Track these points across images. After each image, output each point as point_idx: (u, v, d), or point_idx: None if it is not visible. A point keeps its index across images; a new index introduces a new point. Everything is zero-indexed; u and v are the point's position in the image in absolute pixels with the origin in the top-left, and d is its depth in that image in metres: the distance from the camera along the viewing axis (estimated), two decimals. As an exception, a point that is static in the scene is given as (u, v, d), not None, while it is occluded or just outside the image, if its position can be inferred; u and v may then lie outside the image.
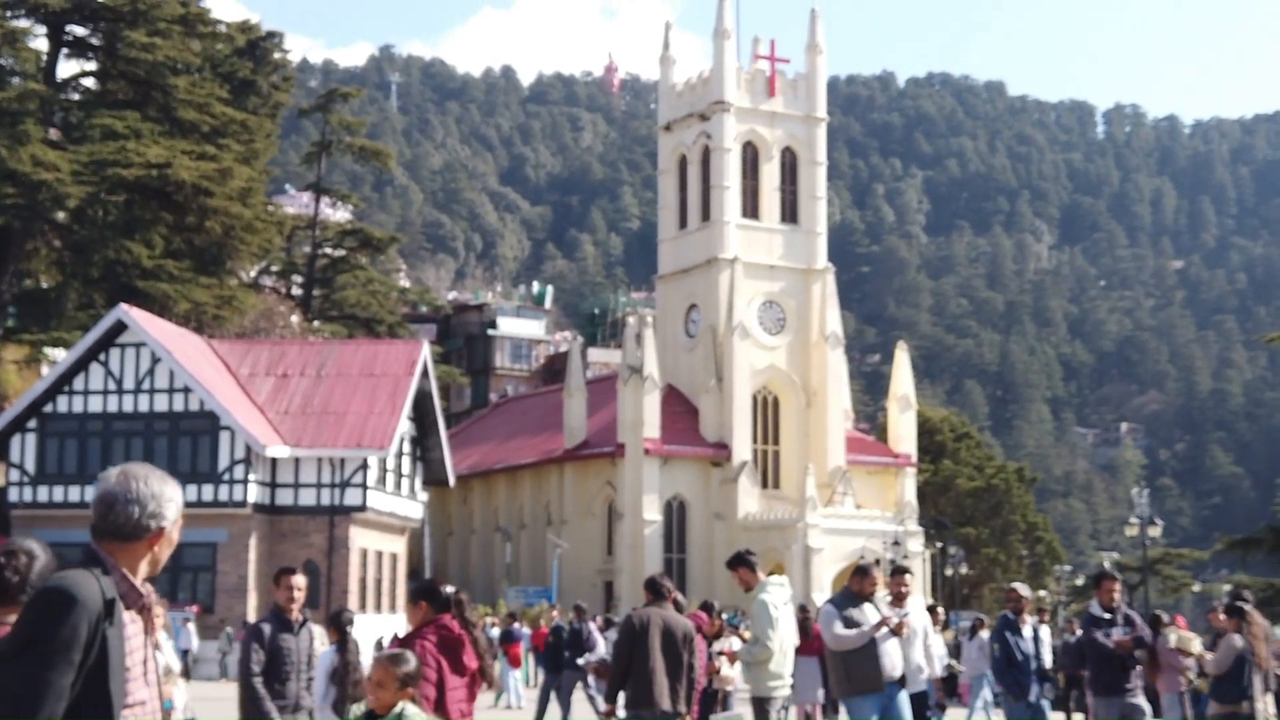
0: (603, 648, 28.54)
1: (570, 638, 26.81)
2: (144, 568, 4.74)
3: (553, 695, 27.24)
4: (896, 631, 13.18)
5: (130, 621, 4.63)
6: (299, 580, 12.01)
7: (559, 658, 27.26)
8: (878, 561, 65.23)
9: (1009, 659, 15.47)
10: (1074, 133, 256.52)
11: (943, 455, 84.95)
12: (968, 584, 77.76)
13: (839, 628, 13.06)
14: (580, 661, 30.02)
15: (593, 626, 28.42)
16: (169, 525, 4.73)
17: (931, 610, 22.67)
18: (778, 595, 13.80)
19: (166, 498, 4.74)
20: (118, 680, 4.48)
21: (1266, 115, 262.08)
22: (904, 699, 13.30)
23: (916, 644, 14.64)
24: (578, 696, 27.14)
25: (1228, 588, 41.59)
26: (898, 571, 15.39)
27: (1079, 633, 19.59)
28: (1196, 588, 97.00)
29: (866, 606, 13.28)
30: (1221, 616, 16.62)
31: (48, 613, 4.42)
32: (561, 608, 45.15)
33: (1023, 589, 16.07)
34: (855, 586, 13.50)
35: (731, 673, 16.45)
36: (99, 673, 4.43)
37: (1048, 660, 16.43)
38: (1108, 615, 14.22)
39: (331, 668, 12.73)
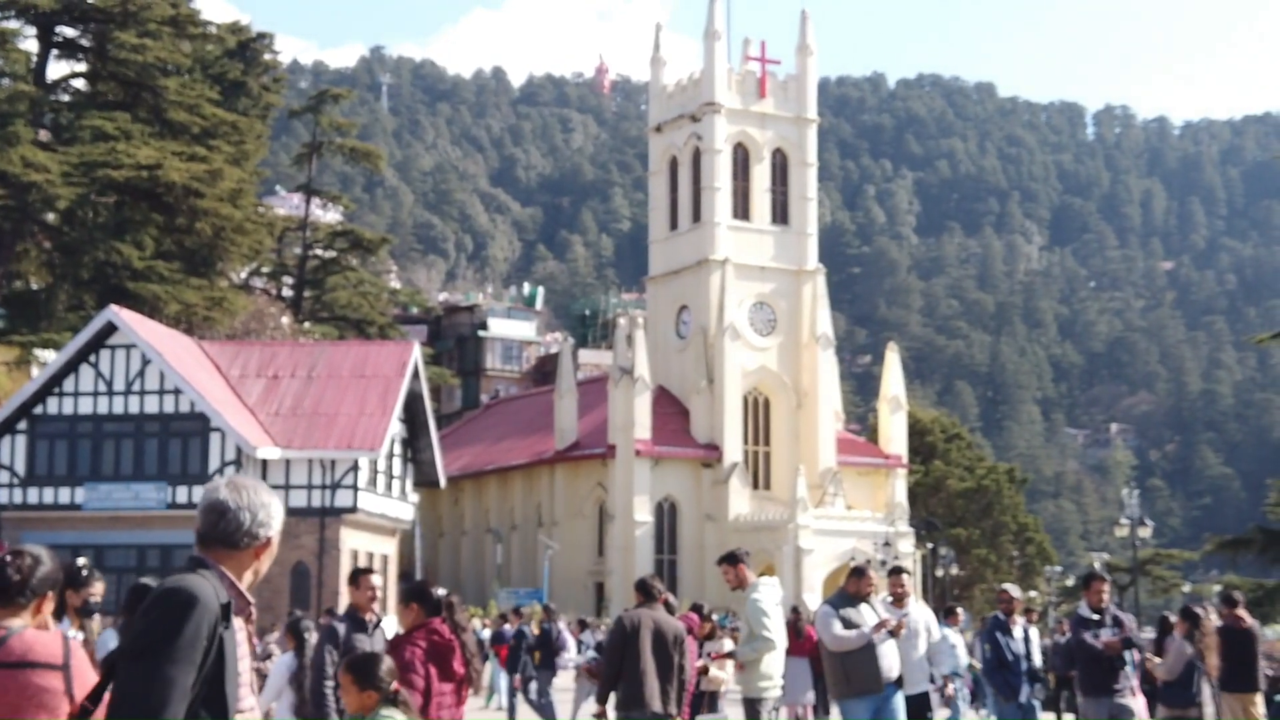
0: (573, 649, 28.48)
1: (540, 639, 26.68)
2: (248, 577, 4.82)
3: (519, 696, 27.09)
4: (895, 633, 13.19)
5: (238, 629, 4.71)
6: (376, 580, 11.87)
7: (517, 659, 27.04)
8: (868, 562, 65.39)
9: (1000, 660, 15.48)
10: (1064, 134, 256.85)
11: (933, 456, 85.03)
12: (958, 585, 77.82)
13: (838, 629, 13.05)
14: (574, 663, 29.99)
15: (562, 627, 28.29)
16: (274, 535, 4.83)
17: (950, 611, 22.65)
18: (769, 595, 13.81)
19: (274, 508, 4.83)
20: (233, 682, 4.54)
21: (1256, 116, 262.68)
22: (899, 701, 13.30)
23: (919, 644, 14.64)
24: (564, 697, 27.07)
25: (1218, 588, 41.71)
26: (895, 572, 15.37)
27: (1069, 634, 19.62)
28: (1186, 588, 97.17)
29: (863, 608, 13.28)
30: (1173, 619, 16.75)
31: (171, 612, 4.46)
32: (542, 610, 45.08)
33: (1013, 590, 16.10)
34: (851, 588, 13.49)
35: (722, 674, 16.44)
36: (216, 674, 4.49)
37: (1038, 660, 16.44)
38: (1096, 616, 14.25)
39: (289, 673, 12.74)
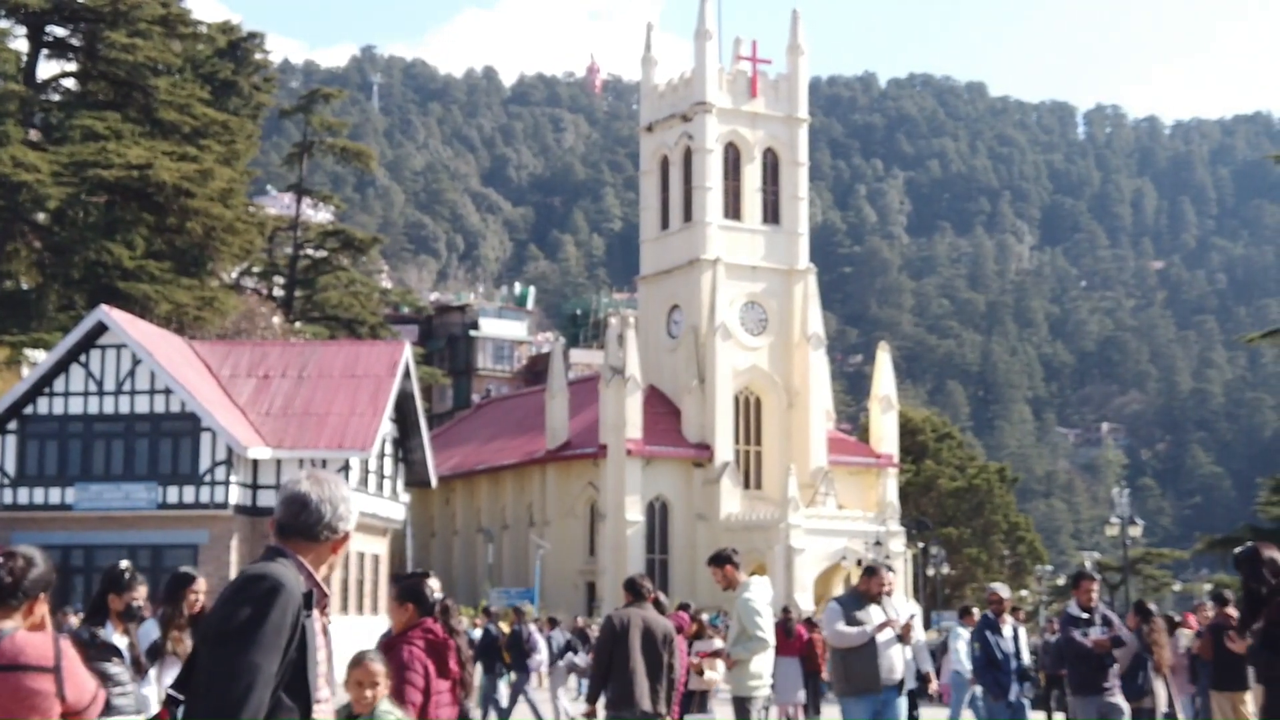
0: (543, 650, 28.37)
1: (511, 640, 26.52)
2: (324, 570, 4.86)
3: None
4: (904, 637, 13.17)
5: (316, 620, 4.72)
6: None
7: (492, 660, 26.62)
8: (862, 561, 65.42)
9: (989, 659, 15.53)
10: (1055, 133, 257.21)
11: (924, 456, 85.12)
12: (949, 584, 77.93)
13: (840, 625, 13.04)
14: (561, 663, 29.96)
15: (533, 628, 28.16)
16: (351, 530, 4.90)
17: (965, 612, 22.62)
18: (760, 594, 13.82)
19: (352, 504, 4.90)
20: (314, 670, 4.57)
21: (1246, 116, 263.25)
22: (901, 704, 13.30)
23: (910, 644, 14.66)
24: (541, 697, 27.02)
25: (1208, 587, 41.77)
26: (870, 572, 15.35)
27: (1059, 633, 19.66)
28: (1177, 587, 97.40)
29: (873, 608, 13.25)
30: (1130, 617, 16.89)
31: (256, 599, 4.50)
32: (535, 611, 45.13)
33: (1002, 590, 16.15)
34: (863, 586, 13.47)
35: (714, 674, 16.46)
36: (299, 662, 4.53)
37: (1026, 659, 16.50)
38: (1086, 615, 14.30)
39: None
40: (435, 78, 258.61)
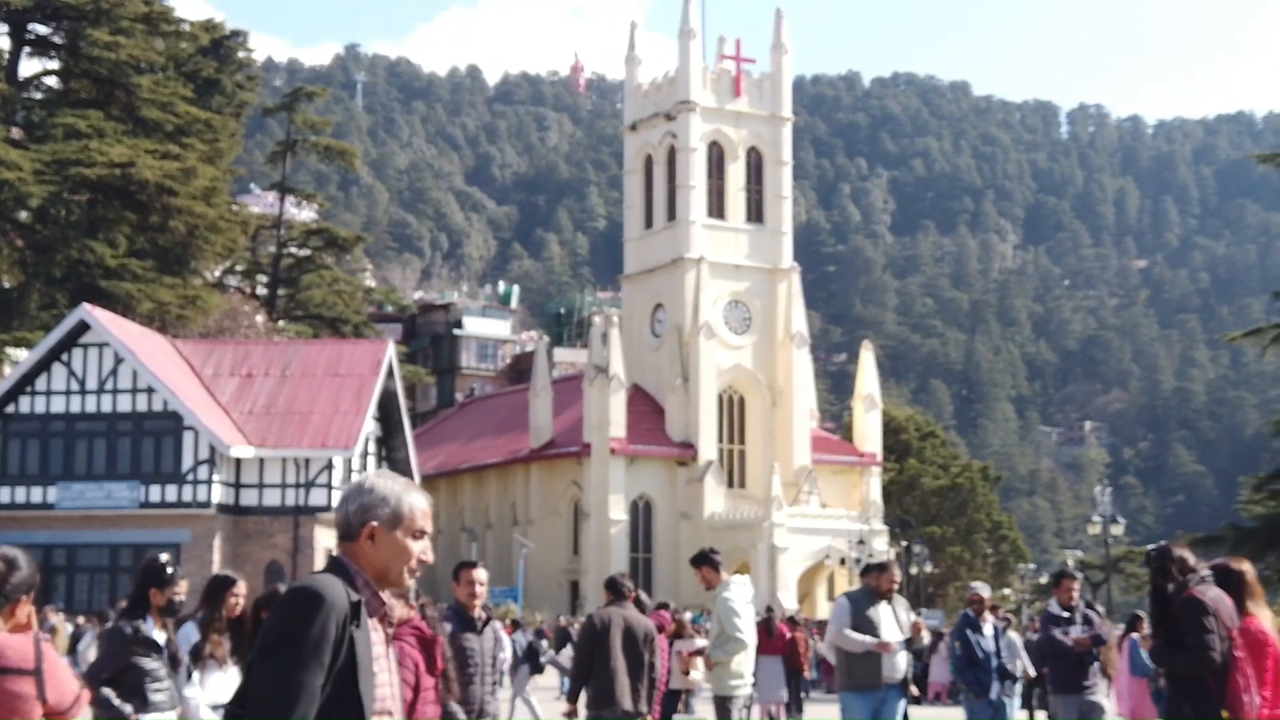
0: (509, 650, 28.34)
1: None
2: (374, 570, 4.72)
3: None
4: (912, 639, 13.30)
5: (373, 629, 4.64)
6: (480, 574, 10.85)
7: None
8: (845, 560, 65.57)
9: (970, 657, 15.57)
10: (1038, 133, 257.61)
11: (908, 454, 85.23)
12: (933, 582, 78.04)
13: (846, 629, 13.12)
14: (543, 660, 29.93)
15: (498, 628, 28.15)
16: (381, 523, 4.74)
17: (991, 610, 22.68)
18: (740, 594, 13.85)
19: (379, 494, 4.76)
20: (367, 683, 4.50)
21: (1229, 115, 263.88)
22: (901, 704, 13.34)
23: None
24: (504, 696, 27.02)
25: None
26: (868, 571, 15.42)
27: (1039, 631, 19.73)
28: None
29: (883, 606, 13.28)
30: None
31: (297, 613, 4.45)
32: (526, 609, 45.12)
33: (983, 589, 16.19)
34: (873, 582, 13.51)
35: (696, 675, 16.50)
36: (348, 674, 4.46)
37: (1025, 659, 16.56)
38: (1066, 614, 14.36)
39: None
40: (419, 76, 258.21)
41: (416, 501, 4.74)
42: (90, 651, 26.11)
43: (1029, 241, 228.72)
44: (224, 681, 10.17)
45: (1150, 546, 9.68)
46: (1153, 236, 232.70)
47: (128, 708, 9.44)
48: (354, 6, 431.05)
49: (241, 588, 10.58)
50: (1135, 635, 18.37)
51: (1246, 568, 9.35)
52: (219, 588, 10.51)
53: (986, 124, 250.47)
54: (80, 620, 31.42)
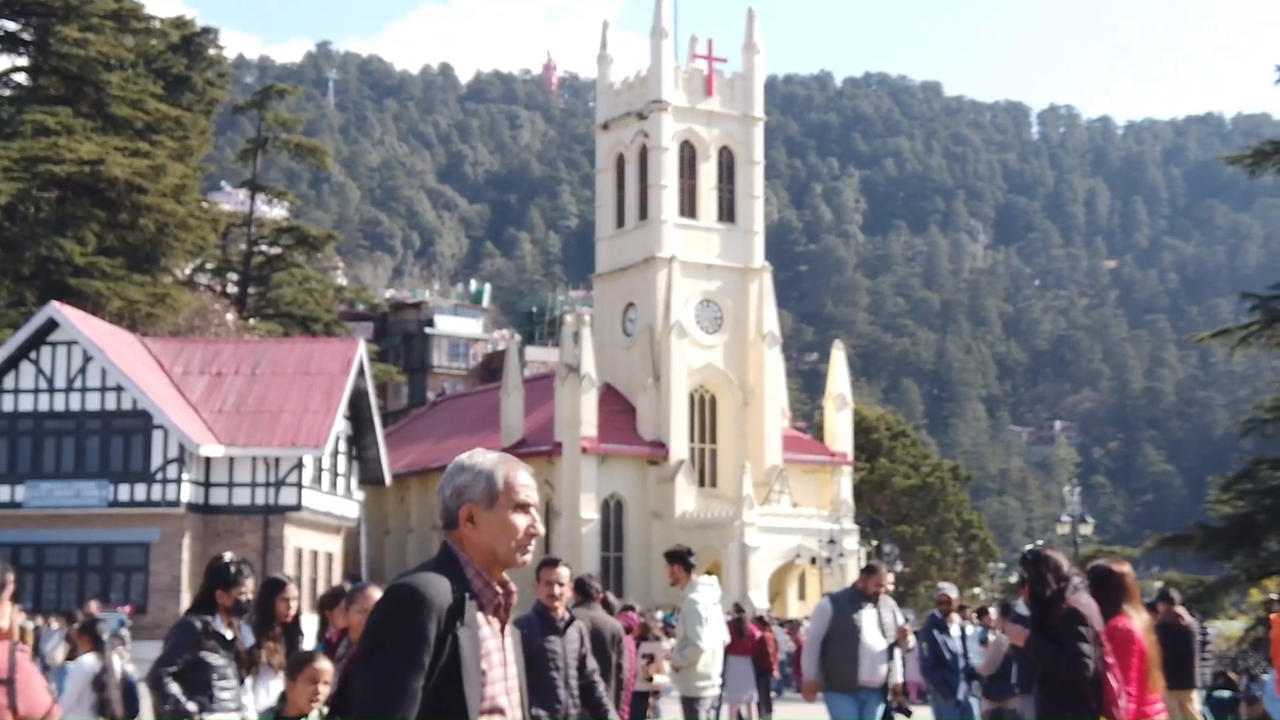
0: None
1: None
2: (484, 556, 4.60)
3: None
4: (899, 642, 13.35)
5: (485, 623, 4.50)
6: (562, 573, 10.52)
7: None
8: (816, 559, 65.74)
9: (938, 658, 15.63)
10: (1009, 133, 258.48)
11: (879, 454, 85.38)
12: (903, 582, 78.20)
13: (818, 633, 13.20)
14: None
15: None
16: (478, 503, 4.64)
17: (982, 612, 22.68)
18: (706, 595, 13.87)
19: (475, 473, 4.66)
20: (473, 682, 4.34)
21: (1198, 117, 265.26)
22: (879, 709, 13.37)
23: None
24: None
25: (1159, 584, 42.06)
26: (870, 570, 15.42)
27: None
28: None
29: (867, 609, 13.29)
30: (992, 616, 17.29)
31: (396, 612, 4.33)
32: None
33: (950, 590, 16.26)
34: (861, 585, 13.54)
35: (662, 678, 16.51)
36: (452, 674, 4.31)
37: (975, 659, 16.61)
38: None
39: (92, 674, 11.76)
40: (391, 74, 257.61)
41: (512, 473, 4.59)
42: (58, 653, 25.96)
43: (1000, 241, 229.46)
44: (279, 688, 9.96)
45: (1026, 549, 9.88)
46: (1122, 237, 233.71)
47: (192, 706, 9.18)
48: (326, 4, 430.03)
49: (292, 590, 10.28)
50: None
51: (1127, 570, 9.76)
52: (269, 593, 10.19)
53: (958, 124, 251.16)
54: (47, 620, 31.22)
